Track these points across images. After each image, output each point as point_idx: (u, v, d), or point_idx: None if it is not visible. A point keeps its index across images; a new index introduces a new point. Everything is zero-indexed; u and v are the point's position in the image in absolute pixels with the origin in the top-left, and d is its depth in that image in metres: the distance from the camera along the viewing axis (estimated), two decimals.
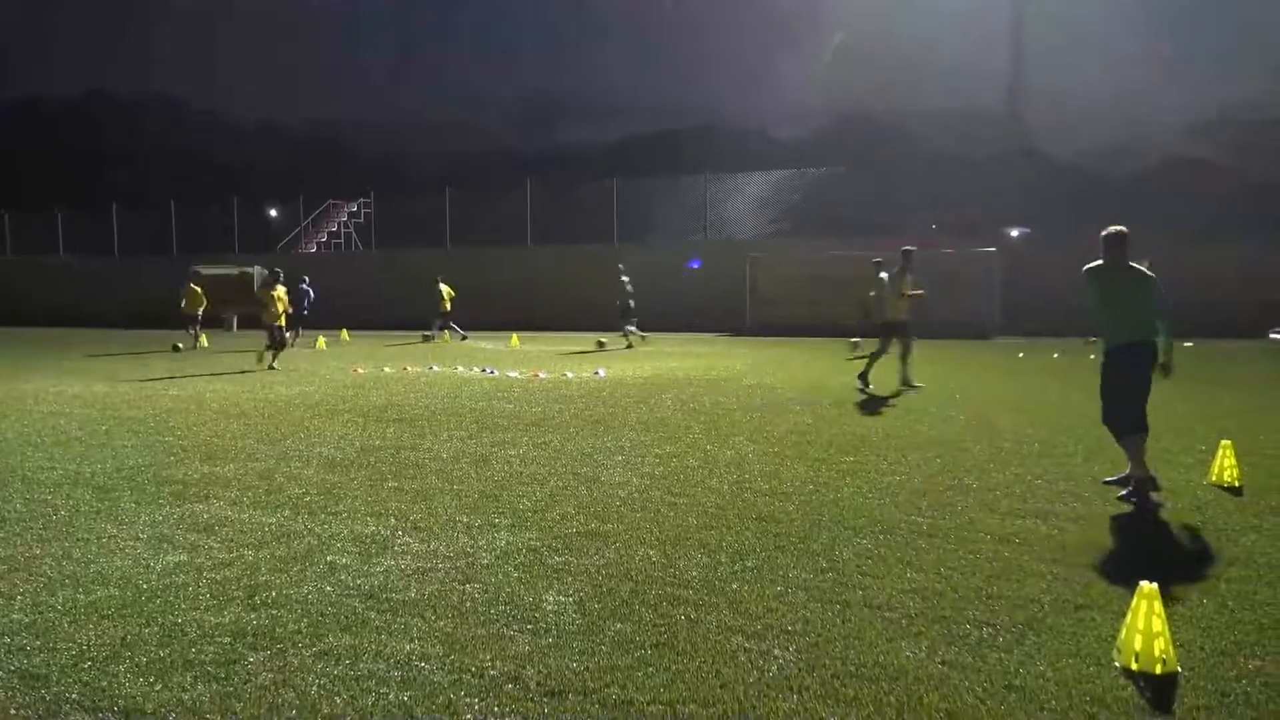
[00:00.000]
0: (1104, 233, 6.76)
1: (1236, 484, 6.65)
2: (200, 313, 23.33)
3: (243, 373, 16.30)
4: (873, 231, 30.01)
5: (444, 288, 25.05)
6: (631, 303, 23.16)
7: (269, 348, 17.43)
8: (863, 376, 12.77)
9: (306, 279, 25.34)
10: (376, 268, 36.26)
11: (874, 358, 13.03)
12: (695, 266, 30.95)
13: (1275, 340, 19.62)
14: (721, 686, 3.49)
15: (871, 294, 19.97)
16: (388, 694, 3.45)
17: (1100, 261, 6.73)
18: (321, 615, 4.24)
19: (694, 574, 4.81)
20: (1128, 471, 6.51)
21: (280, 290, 17.86)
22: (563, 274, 33.42)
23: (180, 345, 21.97)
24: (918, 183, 35.30)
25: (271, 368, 16.87)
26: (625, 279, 23.25)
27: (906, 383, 12.73)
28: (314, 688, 3.50)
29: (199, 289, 23.15)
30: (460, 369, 16.70)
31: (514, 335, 25.14)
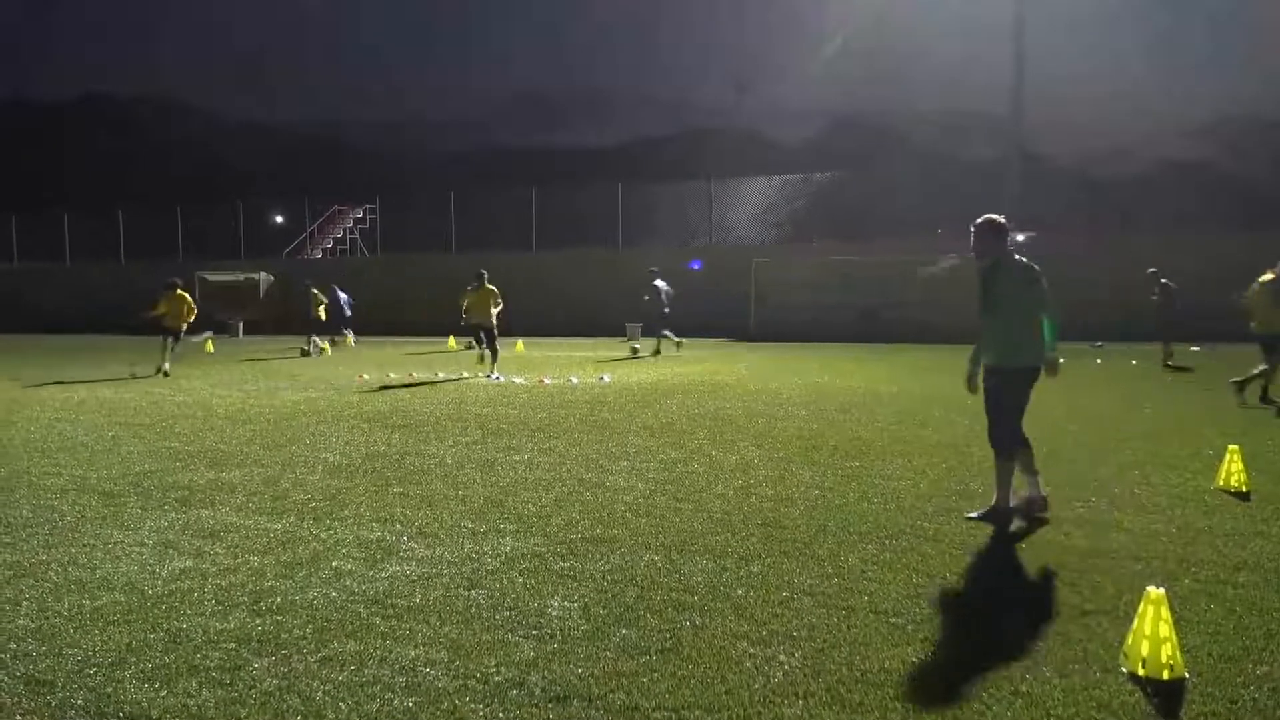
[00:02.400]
0: (979, 221, 6.02)
1: (1244, 489, 6.62)
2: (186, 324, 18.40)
3: (460, 379, 16.27)
4: (877, 235, 30.05)
5: (316, 293, 25.12)
6: (349, 312, 25.71)
7: (485, 348, 16.77)
8: (1264, 398, 11.49)
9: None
10: (382, 273, 36.34)
11: (1265, 374, 11.64)
12: (695, 268, 30.97)
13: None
14: (727, 692, 3.48)
15: (646, 298, 21.39)
16: (392, 700, 3.44)
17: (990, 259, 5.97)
18: (326, 621, 4.24)
19: (699, 580, 4.80)
20: (1025, 493, 6.08)
21: (486, 292, 16.57)
22: (568, 278, 33.45)
23: (167, 370, 17.27)
24: (921, 185, 35.32)
25: (489, 374, 16.10)
26: (341, 293, 25.71)
27: (1269, 398, 11.45)
28: (319, 694, 3.49)
29: (187, 294, 18.44)
30: (465, 375, 16.72)
31: (519, 341, 25.16)
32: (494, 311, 16.61)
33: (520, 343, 24.78)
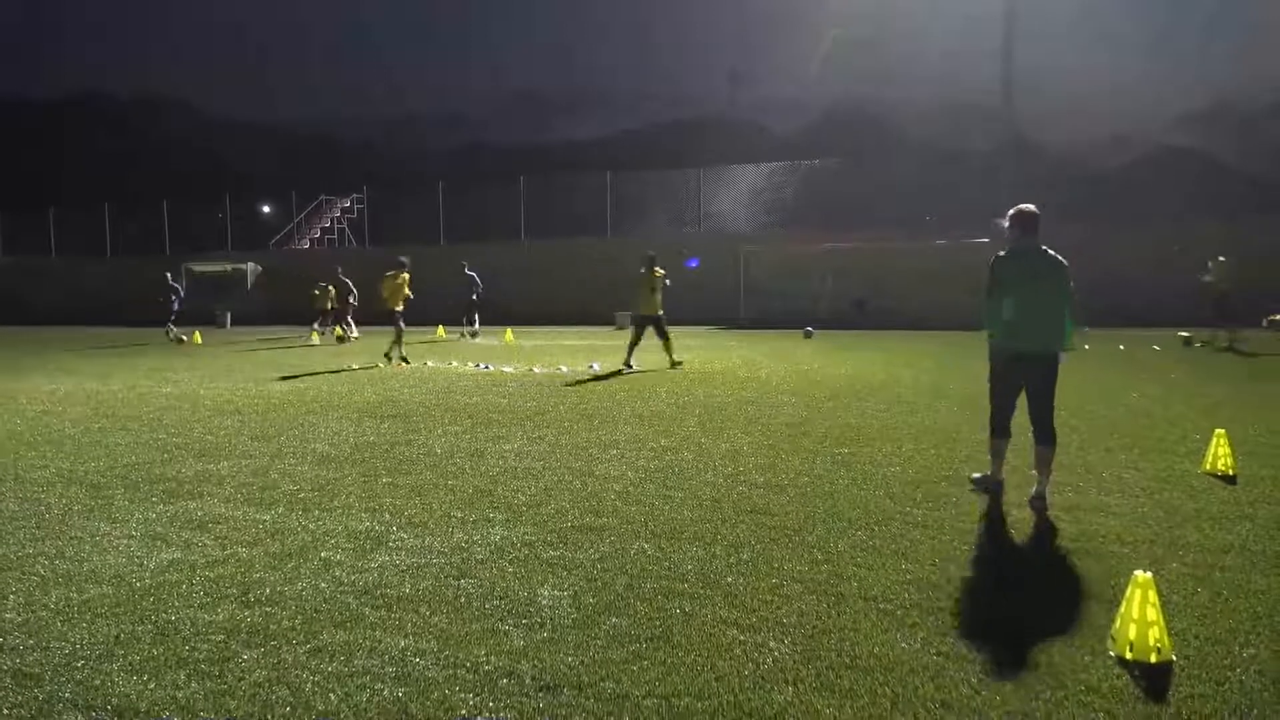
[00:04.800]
0: (1014, 211, 6.18)
1: (1230, 473, 6.66)
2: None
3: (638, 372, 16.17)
4: (867, 223, 30.02)
5: (176, 285, 25.32)
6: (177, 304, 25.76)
7: (665, 342, 15.15)
8: None
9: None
10: (370, 264, 36.15)
11: None
12: (693, 266, 30.95)
13: (1273, 324, 20.27)
14: (717, 680, 3.48)
15: (339, 292, 22.76)
16: (382, 690, 3.44)
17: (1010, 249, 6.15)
18: (315, 612, 4.23)
19: (689, 567, 4.80)
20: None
21: (659, 271, 15.07)
22: (557, 268, 33.38)
23: (390, 358, 17.00)
24: (911, 174, 35.32)
25: (676, 363, 15.04)
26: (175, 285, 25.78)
27: None
28: (308, 684, 3.49)
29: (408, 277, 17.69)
30: (455, 364, 16.68)
31: (508, 330, 25.12)
32: (657, 299, 15.06)
33: (509, 332, 24.75)
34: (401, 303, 17.18)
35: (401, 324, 17.12)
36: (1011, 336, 6.08)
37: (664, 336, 15.23)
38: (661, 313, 15.19)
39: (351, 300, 24.40)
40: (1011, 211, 6.21)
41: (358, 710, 3.29)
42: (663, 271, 15.37)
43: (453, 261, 27.18)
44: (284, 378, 14.63)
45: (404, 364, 16.56)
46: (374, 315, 17.48)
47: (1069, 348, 6.08)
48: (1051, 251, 6.06)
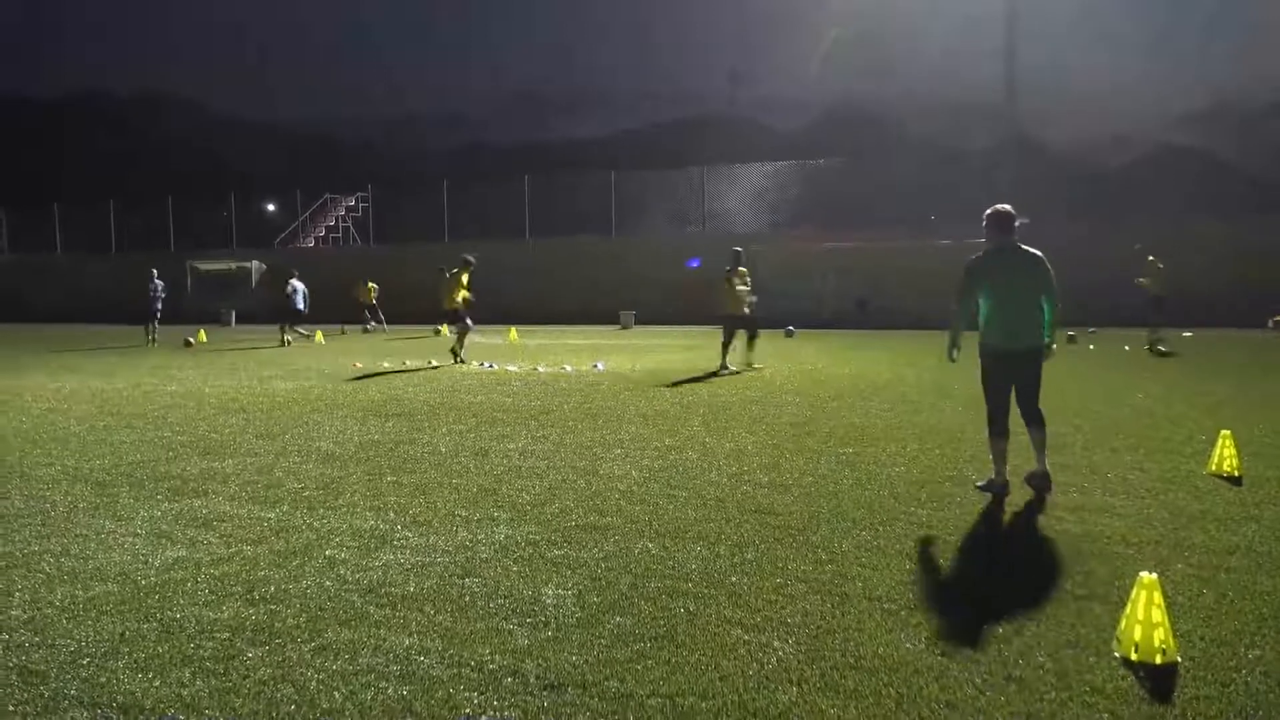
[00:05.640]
0: (989, 211, 6.28)
1: (1236, 474, 6.65)
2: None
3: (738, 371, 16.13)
4: (868, 222, 29.99)
5: (160, 283, 24.52)
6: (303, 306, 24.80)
7: (736, 342, 14.64)
8: None
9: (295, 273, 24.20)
10: (375, 262, 36.18)
11: None
12: (694, 265, 30.96)
13: (1278, 325, 20.75)
14: (721, 679, 3.48)
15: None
16: (386, 688, 3.44)
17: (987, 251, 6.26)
18: (320, 610, 4.23)
19: (693, 566, 4.80)
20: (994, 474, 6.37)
21: (740, 276, 14.56)
22: (560, 267, 33.37)
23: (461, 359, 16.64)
24: (912, 173, 35.28)
25: (752, 365, 14.72)
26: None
27: None
28: (313, 682, 3.49)
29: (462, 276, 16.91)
30: (459, 363, 16.68)
31: (512, 329, 25.12)
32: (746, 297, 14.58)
33: (514, 330, 24.75)
34: (460, 302, 16.61)
35: (466, 323, 16.63)
36: (995, 335, 6.23)
37: (754, 335, 14.86)
38: (747, 311, 14.64)
39: (299, 305, 22.92)
40: (987, 212, 6.34)
41: (362, 708, 3.30)
42: (745, 270, 14.91)
43: (455, 260, 27.24)
44: (357, 377, 14.65)
45: (460, 363, 16.20)
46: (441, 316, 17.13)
47: (1050, 343, 6.28)
48: (1028, 248, 6.21)
